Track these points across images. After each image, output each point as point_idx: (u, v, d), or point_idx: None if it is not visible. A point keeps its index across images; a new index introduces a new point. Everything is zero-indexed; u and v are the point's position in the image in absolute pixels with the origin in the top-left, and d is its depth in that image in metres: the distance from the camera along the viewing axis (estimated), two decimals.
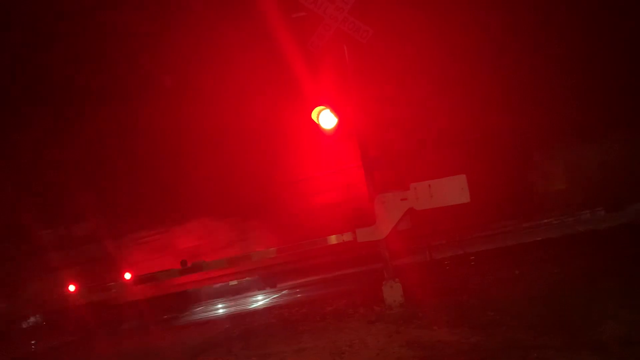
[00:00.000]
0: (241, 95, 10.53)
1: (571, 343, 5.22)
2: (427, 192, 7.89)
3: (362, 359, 6.06)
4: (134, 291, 10.69)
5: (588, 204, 11.54)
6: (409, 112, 10.19)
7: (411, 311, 7.66)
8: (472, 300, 7.63)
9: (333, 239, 9.10)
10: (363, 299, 9.22)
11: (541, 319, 6.11)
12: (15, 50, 11.66)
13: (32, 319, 13.74)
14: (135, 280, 10.01)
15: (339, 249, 9.84)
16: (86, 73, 11.43)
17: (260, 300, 13.28)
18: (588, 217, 12.16)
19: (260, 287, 14.48)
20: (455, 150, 9.92)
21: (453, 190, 7.75)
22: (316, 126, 8.31)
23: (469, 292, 8.10)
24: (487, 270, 9.77)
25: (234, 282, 13.10)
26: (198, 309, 13.39)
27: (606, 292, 6.65)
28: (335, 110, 8.08)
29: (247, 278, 12.90)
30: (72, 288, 10.97)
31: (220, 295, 14.37)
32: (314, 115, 8.17)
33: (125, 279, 10.30)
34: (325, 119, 8.12)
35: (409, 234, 10.00)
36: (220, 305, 13.75)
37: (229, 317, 11.46)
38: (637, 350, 4.74)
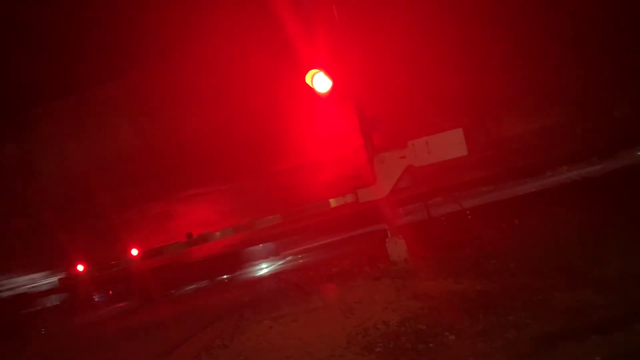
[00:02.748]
0: (235, 62, 10.46)
1: (574, 283, 5.40)
2: (425, 149, 7.97)
3: (372, 314, 6.21)
4: (141, 266, 10.81)
5: (581, 155, 11.66)
6: (402, 69, 10.16)
7: (416, 266, 7.84)
8: (474, 251, 7.79)
9: (334, 202, 9.22)
10: (367, 259, 9.39)
11: (543, 264, 6.28)
12: None
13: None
14: (142, 255, 10.14)
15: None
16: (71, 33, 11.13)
17: (265, 268, 13.47)
18: (583, 166, 12.29)
19: (264, 255, 14.68)
20: (452, 106, 9.95)
21: (451, 145, 7.84)
22: (311, 90, 8.32)
23: (470, 245, 8.26)
24: (486, 223, 9.93)
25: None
26: (203, 281, 13.59)
27: (606, 234, 6.81)
28: (329, 73, 8.08)
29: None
30: (80, 268, 11.09)
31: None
32: (307, 79, 8.16)
33: (132, 254, 10.42)
34: (320, 82, 8.12)
35: (407, 194, 10.13)
36: (225, 276, 13.93)
37: (237, 286, 11.65)
38: (637, 283, 4.92)
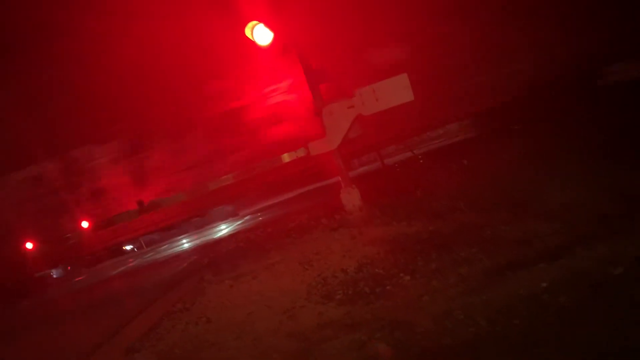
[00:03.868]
0: (173, 15, 9.95)
1: (521, 216, 5.59)
2: (372, 96, 7.94)
3: (330, 263, 6.30)
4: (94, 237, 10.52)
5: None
6: (343, 17, 9.97)
7: (370, 213, 7.95)
8: (425, 194, 7.96)
9: (287, 157, 9.16)
10: (324, 211, 9.46)
11: (491, 201, 6.46)
12: None
13: None
14: (94, 227, 9.86)
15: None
16: None
17: (224, 229, 13.42)
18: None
19: (222, 217, 14.59)
20: (397, 51, 9.89)
21: (397, 91, 7.83)
22: (251, 43, 8.06)
23: (422, 188, 8.42)
24: (437, 166, 10.14)
25: None
26: (163, 246, 13.45)
27: (548, 167, 7.05)
28: (269, 25, 7.83)
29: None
30: (29, 246, 10.61)
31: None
32: (247, 32, 7.89)
33: (83, 227, 10.12)
34: (260, 34, 7.87)
35: (360, 145, 10.15)
36: (184, 240, 13.82)
37: (196, 249, 11.59)
38: (582, 211, 5.13)
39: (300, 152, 8.84)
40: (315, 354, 4.08)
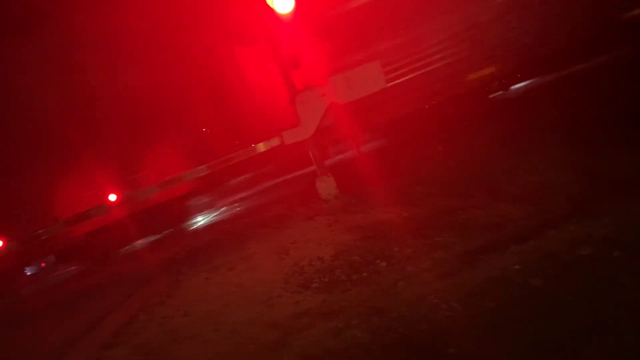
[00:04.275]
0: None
1: (493, 200, 5.68)
2: (345, 84, 7.92)
3: (307, 252, 6.29)
4: (66, 232, 10.32)
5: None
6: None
7: (347, 201, 7.96)
8: (401, 180, 7.98)
9: (261, 147, 9.07)
10: (300, 200, 9.43)
11: (465, 185, 6.54)
12: None
13: None
14: (65, 222, 9.64)
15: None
16: None
17: (200, 221, 13.31)
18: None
19: (198, 209, 14.46)
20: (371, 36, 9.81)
21: (370, 78, 7.83)
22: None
23: (398, 174, 8.45)
24: (413, 153, 10.16)
25: None
26: (139, 240, 13.27)
27: (520, 151, 7.13)
28: None
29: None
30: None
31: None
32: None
33: (55, 222, 9.89)
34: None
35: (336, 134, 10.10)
36: (160, 234, 13.66)
37: (172, 242, 11.46)
38: (553, 193, 5.22)
39: (274, 142, 8.75)
40: (292, 343, 4.09)
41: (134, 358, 5.03)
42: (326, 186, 8.37)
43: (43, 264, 15.59)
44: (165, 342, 5.18)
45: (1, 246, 10.05)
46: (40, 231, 9.99)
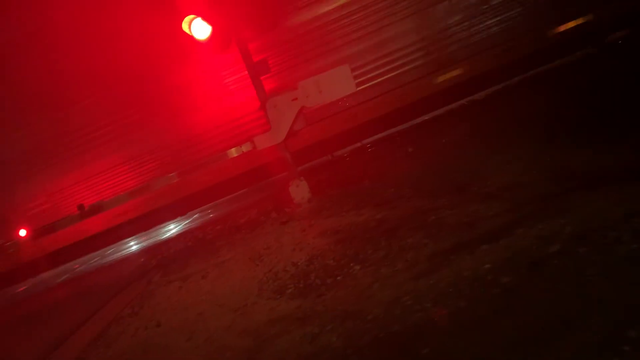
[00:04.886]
0: (105, 11, 9.53)
1: (463, 199, 5.73)
2: (316, 88, 7.93)
3: (281, 257, 6.27)
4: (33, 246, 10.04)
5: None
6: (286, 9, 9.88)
7: (320, 204, 7.96)
8: (373, 183, 8.04)
9: (233, 152, 9.02)
10: (273, 205, 9.40)
11: (436, 186, 6.60)
12: None
13: None
14: (32, 235, 9.39)
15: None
16: None
17: (173, 229, 13.12)
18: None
19: (170, 217, 14.22)
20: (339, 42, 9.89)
21: (339, 82, 7.85)
22: (189, 38, 7.85)
23: (370, 177, 8.50)
24: (385, 155, 10.24)
25: None
26: (109, 250, 13.01)
27: (488, 150, 7.25)
28: (207, 18, 7.64)
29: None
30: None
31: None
32: (184, 26, 7.68)
33: (20, 235, 9.63)
34: (198, 28, 7.66)
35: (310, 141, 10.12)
36: (132, 243, 13.42)
37: (144, 251, 11.28)
38: (521, 191, 5.31)
39: (246, 147, 8.71)
40: (267, 349, 4.06)
41: None
42: (299, 190, 8.37)
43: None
44: (138, 353, 5.09)
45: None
46: (7, 243, 9.74)
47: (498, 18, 10.84)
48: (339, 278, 4.95)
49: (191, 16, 7.58)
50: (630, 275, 3.24)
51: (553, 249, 3.86)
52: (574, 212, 4.33)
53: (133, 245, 12.90)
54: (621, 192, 4.36)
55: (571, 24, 10.47)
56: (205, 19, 7.55)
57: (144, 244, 12.41)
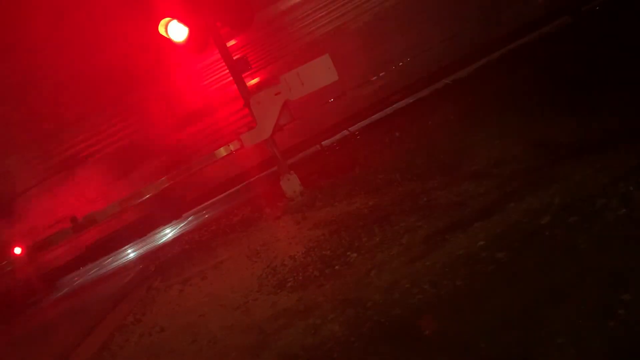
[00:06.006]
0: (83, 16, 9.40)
1: (452, 180, 5.78)
2: (298, 80, 7.91)
3: (278, 252, 6.30)
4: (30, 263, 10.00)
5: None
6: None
7: (312, 196, 7.97)
8: (363, 170, 8.05)
9: (222, 152, 9.00)
10: (266, 201, 9.40)
11: (425, 168, 6.65)
12: None
13: None
14: (28, 252, 9.35)
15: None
16: None
17: (168, 233, 13.10)
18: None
19: (165, 221, 14.21)
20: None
21: (321, 72, 7.84)
22: (167, 40, 7.79)
23: (359, 165, 8.52)
24: (373, 141, 10.24)
25: None
26: (107, 260, 12.98)
27: (475, 129, 7.28)
28: (183, 20, 7.58)
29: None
30: None
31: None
32: (161, 29, 7.61)
33: (15, 253, 9.58)
34: (175, 30, 7.59)
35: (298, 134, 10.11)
36: (129, 250, 13.40)
37: (142, 258, 11.27)
38: (509, 166, 5.36)
39: (234, 145, 8.69)
40: (272, 344, 4.10)
41: None
42: (290, 184, 8.37)
43: None
44: None
45: None
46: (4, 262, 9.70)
47: None
48: (336, 267, 4.99)
49: (167, 19, 7.52)
50: (620, 240, 3.30)
51: (544, 221, 3.92)
52: (562, 183, 4.39)
53: (130, 253, 12.88)
54: (606, 158, 4.42)
55: None
56: (181, 20, 7.50)
57: (141, 250, 12.38)
